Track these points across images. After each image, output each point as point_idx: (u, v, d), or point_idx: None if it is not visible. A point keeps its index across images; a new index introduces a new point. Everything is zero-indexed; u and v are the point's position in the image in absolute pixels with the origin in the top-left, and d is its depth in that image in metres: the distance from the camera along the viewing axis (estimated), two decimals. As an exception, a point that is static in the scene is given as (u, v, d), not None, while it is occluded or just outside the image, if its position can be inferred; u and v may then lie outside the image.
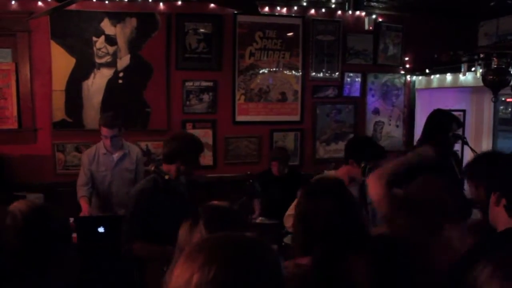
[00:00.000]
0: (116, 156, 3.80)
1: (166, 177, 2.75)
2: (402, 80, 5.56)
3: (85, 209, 3.61)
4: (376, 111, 5.49)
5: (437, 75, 5.19)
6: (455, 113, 4.23)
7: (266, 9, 4.94)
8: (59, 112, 4.49)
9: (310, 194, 1.80)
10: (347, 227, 1.67)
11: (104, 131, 3.64)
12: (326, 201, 1.71)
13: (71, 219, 2.98)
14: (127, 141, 3.96)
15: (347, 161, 3.04)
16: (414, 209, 1.80)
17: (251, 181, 3.77)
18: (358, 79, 5.35)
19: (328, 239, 1.64)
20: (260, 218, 3.75)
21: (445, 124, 3.57)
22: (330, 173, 3.20)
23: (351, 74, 5.32)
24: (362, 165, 2.98)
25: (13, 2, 4.33)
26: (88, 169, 3.78)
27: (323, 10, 5.15)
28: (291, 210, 3.07)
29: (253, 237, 0.99)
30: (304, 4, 5.03)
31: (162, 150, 2.93)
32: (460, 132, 4.44)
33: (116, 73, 4.58)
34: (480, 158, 2.35)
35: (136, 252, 2.67)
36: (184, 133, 3.44)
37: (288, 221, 3.04)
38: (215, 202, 1.55)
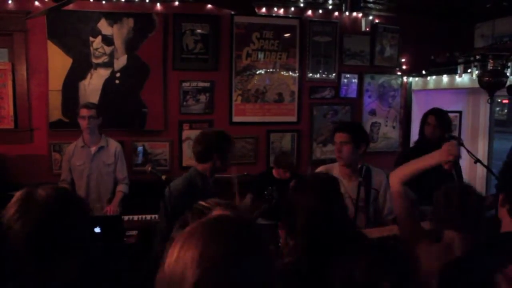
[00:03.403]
0: (93, 149, 3.98)
1: (163, 177, 2.74)
2: (399, 81, 5.58)
3: None
4: (373, 112, 5.51)
5: (434, 76, 5.21)
6: (451, 115, 4.25)
7: (263, 10, 4.95)
8: (55, 112, 4.48)
9: (297, 190, 1.80)
10: (329, 225, 1.66)
11: (83, 111, 3.88)
12: (310, 198, 1.71)
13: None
14: (110, 138, 4.13)
15: None
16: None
17: (270, 188, 3.72)
18: (355, 80, 5.36)
19: (310, 236, 1.64)
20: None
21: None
22: (334, 165, 3.20)
23: (348, 75, 5.33)
24: (359, 166, 3.00)
25: (9, 2, 4.32)
26: (68, 163, 4.00)
27: (320, 11, 5.16)
28: None
29: (245, 218, 1.00)
30: (301, 5, 5.04)
31: (194, 149, 2.88)
32: (456, 133, 4.46)
33: (113, 73, 4.58)
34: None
35: None
36: (213, 129, 3.47)
37: None
38: (202, 203, 1.52)
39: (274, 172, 4.40)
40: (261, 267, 0.88)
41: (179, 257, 0.86)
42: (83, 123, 3.91)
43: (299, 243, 1.66)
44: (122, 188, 4.03)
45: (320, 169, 3.20)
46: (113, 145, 4.08)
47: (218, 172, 2.92)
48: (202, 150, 2.81)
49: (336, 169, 3.09)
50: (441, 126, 3.69)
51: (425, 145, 3.48)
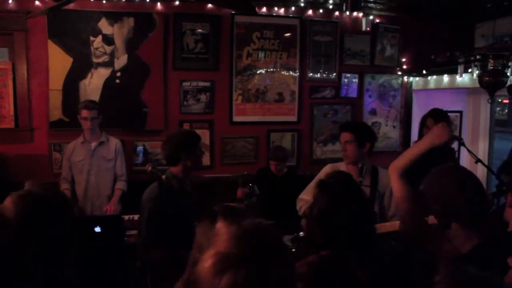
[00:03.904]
0: (93, 144, 4.00)
1: (163, 177, 2.75)
2: (399, 81, 5.57)
3: None
4: (373, 112, 5.50)
5: (434, 76, 5.20)
6: (452, 114, 4.25)
7: (264, 9, 4.95)
8: (56, 111, 4.48)
9: (329, 190, 1.79)
10: (364, 222, 1.71)
11: (84, 113, 3.89)
12: (348, 197, 1.74)
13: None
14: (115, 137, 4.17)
15: None
16: (427, 207, 1.84)
17: (250, 184, 3.76)
18: (355, 80, 5.36)
19: (349, 233, 1.67)
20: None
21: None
22: (340, 164, 3.22)
23: (348, 75, 5.32)
24: (359, 165, 3.01)
25: (10, 1, 4.32)
26: (68, 160, 4.02)
27: (321, 10, 5.16)
28: (304, 194, 3.12)
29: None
30: (302, 4, 5.04)
31: (162, 154, 2.90)
32: (457, 133, 4.46)
33: (113, 72, 4.58)
34: None
35: (155, 259, 2.60)
36: (177, 131, 3.59)
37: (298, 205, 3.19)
38: (231, 204, 1.60)
39: (271, 168, 4.40)
40: (288, 264, 1.03)
41: (217, 261, 0.96)
42: (85, 124, 3.94)
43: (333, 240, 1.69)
44: (120, 185, 4.04)
45: (326, 168, 3.24)
46: (113, 141, 4.11)
47: (192, 171, 2.90)
48: (169, 153, 2.81)
49: (342, 167, 3.11)
50: None
51: None
